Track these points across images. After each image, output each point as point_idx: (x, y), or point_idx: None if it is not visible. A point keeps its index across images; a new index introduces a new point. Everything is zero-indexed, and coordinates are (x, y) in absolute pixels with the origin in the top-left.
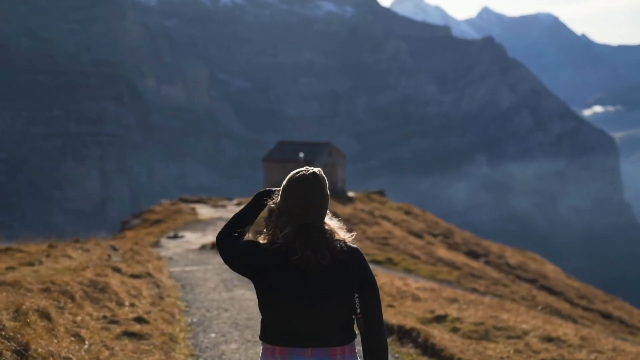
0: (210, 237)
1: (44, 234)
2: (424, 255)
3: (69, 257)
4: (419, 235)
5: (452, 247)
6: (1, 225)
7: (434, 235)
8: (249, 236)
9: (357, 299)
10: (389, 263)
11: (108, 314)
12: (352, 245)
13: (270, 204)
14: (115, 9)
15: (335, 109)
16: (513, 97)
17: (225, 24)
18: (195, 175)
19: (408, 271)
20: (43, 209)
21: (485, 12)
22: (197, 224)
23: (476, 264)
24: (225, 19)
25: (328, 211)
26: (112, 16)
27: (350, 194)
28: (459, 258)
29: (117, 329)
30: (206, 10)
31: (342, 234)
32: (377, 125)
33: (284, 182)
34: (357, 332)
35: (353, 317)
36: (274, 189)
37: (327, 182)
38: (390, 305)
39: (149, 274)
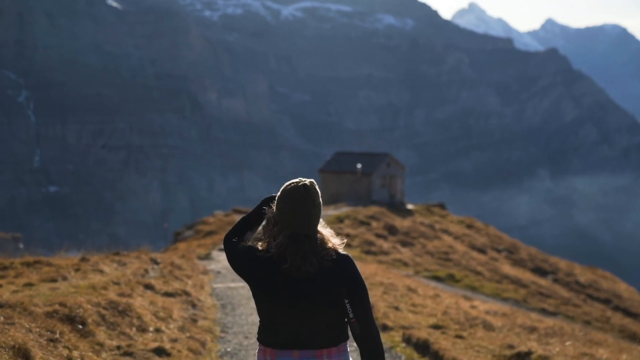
0: None
1: (106, 245)
2: (487, 271)
3: (101, 271)
4: (482, 251)
5: (518, 263)
6: (67, 237)
7: (498, 251)
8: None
9: (347, 305)
10: (450, 280)
11: (123, 344)
12: (342, 253)
13: (268, 212)
14: (179, 24)
15: (395, 122)
16: (577, 109)
17: (285, 38)
18: (253, 187)
19: (471, 289)
20: (107, 219)
21: (549, 24)
22: None
23: (544, 282)
24: (285, 32)
25: (321, 220)
26: (175, 31)
27: (410, 206)
28: (525, 275)
29: None
30: (267, 24)
31: (334, 241)
32: (436, 137)
33: (278, 193)
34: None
35: (346, 320)
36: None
37: (319, 192)
38: (459, 336)
39: (185, 292)
